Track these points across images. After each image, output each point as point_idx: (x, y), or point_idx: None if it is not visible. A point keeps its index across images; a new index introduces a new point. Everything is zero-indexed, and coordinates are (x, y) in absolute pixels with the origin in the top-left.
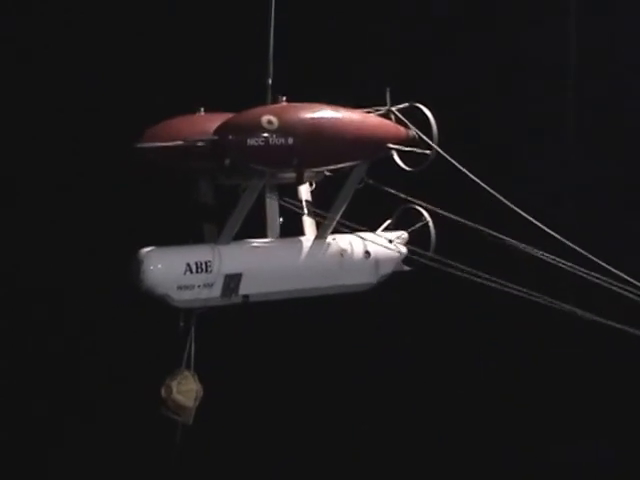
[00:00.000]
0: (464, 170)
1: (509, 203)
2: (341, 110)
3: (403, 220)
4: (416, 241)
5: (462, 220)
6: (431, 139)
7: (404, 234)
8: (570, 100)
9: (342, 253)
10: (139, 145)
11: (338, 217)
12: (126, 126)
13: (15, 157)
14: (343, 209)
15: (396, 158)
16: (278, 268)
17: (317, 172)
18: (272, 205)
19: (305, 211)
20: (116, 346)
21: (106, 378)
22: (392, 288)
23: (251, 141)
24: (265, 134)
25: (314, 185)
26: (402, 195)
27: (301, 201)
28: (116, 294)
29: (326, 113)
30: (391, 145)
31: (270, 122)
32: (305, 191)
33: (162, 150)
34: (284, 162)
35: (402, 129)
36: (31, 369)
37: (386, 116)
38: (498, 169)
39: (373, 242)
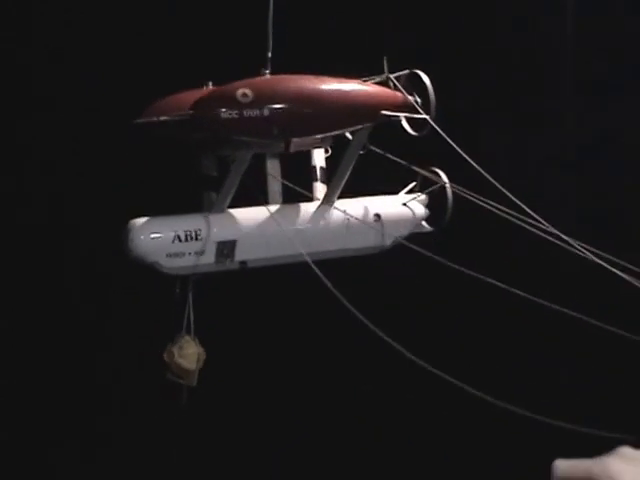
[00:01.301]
0: (452, 143)
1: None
2: (328, 79)
3: (425, 185)
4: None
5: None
6: (429, 105)
7: (422, 196)
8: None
9: (348, 217)
10: (136, 121)
11: (343, 183)
12: (129, 100)
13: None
14: (347, 175)
15: (404, 124)
16: (276, 233)
17: (323, 139)
18: (274, 172)
19: (318, 177)
20: (115, 315)
21: (106, 347)
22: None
23: (225, 114)
24: (239, 106)
25: (330, 152)
26: (403, 162)
27: (314, 167)
28: (112, 264)
29: (308, 82)
30: (385, 112)
31: (245, 95)
32: (319, 157)
33: (166, 123)
34: (262, 133)
35: (399, 96)
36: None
37: (385, 84)
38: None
39: (384, 205)
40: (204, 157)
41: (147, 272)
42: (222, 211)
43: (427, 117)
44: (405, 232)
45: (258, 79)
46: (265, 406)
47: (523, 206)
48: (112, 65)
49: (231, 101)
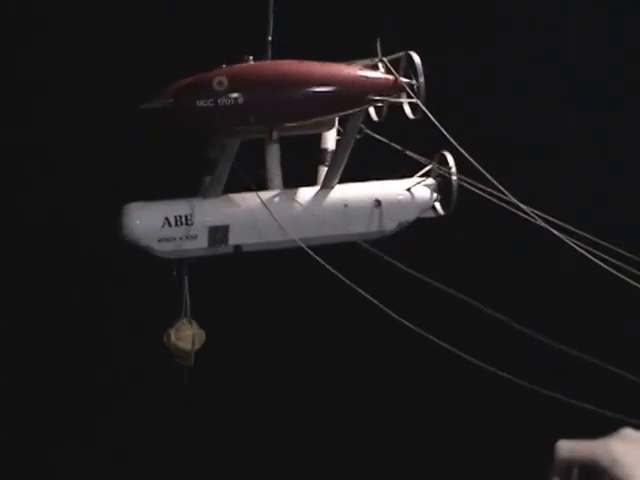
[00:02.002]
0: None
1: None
2: (312, 64)
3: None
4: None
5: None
6: (419, 87)
7: (430, 180)
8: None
9: (346, 203)
10: (143, 106)
11: (341, 168)
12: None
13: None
14: (345, 159)
15: (405, 108)
16: (271, 218)
17: (318, 123)
18: (273, 157)
19: (325, 161)
20: (115, 303)
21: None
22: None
23: (200, 102)
24: (214, 95)
25: (362, 132)
26: (398, 147)
27: (324, 150)
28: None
29: (289, 67)
30: (372, 96)
31: (220, 83)
32: (331, 140)
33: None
34: (238, 122)
35: (389, 79)
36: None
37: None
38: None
39: (386, 189)
40: (212, 140)
41: (145, 257)
42: (216, 196)
43: (417, 101)
44: (411, 216)
45: (237, 66)
46: (264, 395)
47: (514, 199)
48: (112, 63)
49: (207, 90)
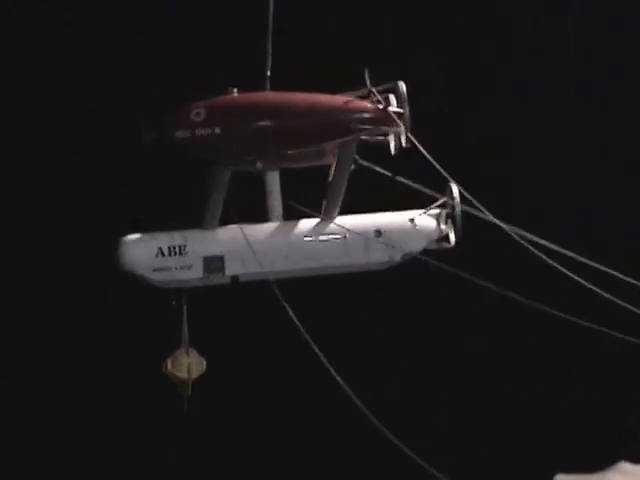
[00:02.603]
0: (432, 160)
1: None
2: (294, 95)
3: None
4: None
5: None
6: (406, 117)
7: (438, 211)
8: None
9: (345, 234)
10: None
11: (339, 199)
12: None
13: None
14: (342, 190)
15: (390, 140)
16: (268, 249)
17: (317, 154)
18: (273, 187)
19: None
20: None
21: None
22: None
23: (179, 133)
24: (192, 126)
25: (354, 166)
26: (389, 174)
27: (329, 183)
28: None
29: (268, 99)
30: (356, 126)
31: (198, 114)
32: None
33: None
34: (217, 152)
35: (374, 109)
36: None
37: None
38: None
39: (389, 220)
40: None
41: (146, 287)
42: (212, 227)
43: (403, 129)
44: (417, 247)
45: (219, 98)
46: (264, 411)
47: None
48: (112, 63)
49: (185, 121)
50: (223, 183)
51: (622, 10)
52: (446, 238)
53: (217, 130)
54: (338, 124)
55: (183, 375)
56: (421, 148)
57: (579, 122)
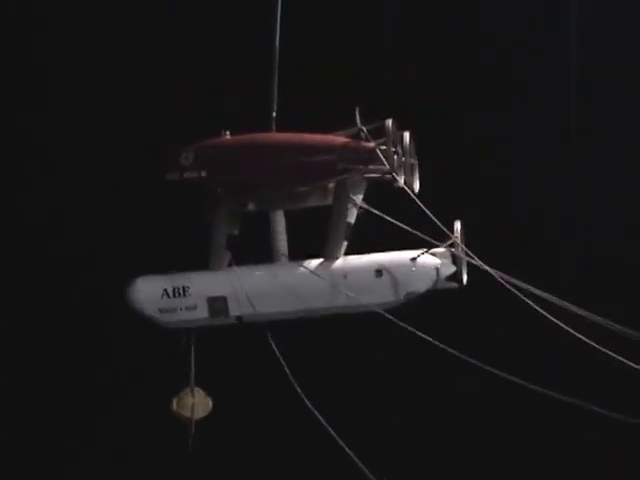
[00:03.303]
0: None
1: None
2: (283, 136)
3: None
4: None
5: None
6: (391, 156)
7: (439, 250)
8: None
9: (345, 274)
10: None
11: (340, 238)
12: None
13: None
14: (341, 230)
15: (396, 177)
16: (269, 290)
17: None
18: (278, 227)
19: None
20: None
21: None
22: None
23: (169, 176)
24: (181, 169)
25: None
26: (387, 217)
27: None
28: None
29: (254, 142)
30: (344, 165)
31: (186, 157)
32: (350, 213)
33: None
34: (204, 194)
35: (363, 147)
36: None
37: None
38: None
39: (392, 260)
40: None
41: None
42: (218, 267)
43: (389, 170)
44: (420, 287)
45: (209, 141)
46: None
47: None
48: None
49: (175, 163)
50: (221, 224)
51: (622, 10)
52: (454, 277)
53: (203, 173)
54: (323, 165)
55: (187, 414)
56: (413, 195)
57: (579, 122)
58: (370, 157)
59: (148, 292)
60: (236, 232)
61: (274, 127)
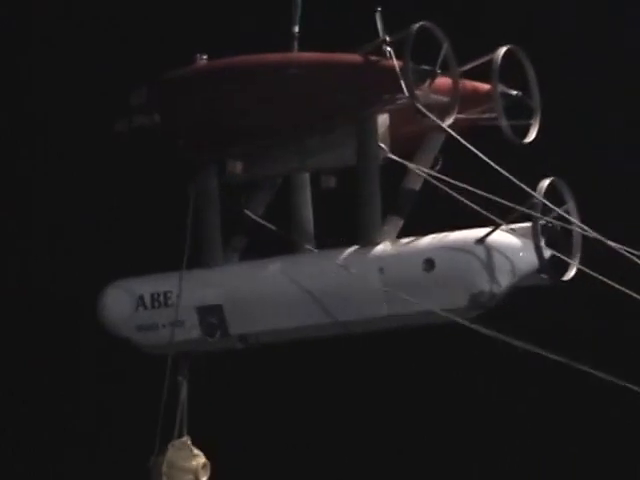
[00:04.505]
0: (469, 144)
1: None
2: (269, 58)
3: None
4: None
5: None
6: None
7: (527, 225)
8: None
9: (381, 267)
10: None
11: (376, 216)
12: None
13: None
14: (374, 202)
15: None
16: (275, 295)
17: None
18: (300, 200)
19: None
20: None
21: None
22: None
23: (117, 126)
24: (129, 113)
25: (439, 164)
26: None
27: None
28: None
29: (228, 68)
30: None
31: (138, 96)
32: (414, 179)
33: None
34: (160, 146)
35: (384, 69)
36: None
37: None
38: None
39: (445, 244)
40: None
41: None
42: (212, 264)
43: (415, 104)
44: (486, 287)
45: (171, 71)
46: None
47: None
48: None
49: (125, 106)
50: (207, 195)
51: (623, 10)
52: (554, 267)
53: (156, 117)
54: (325, 98)
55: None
56: (453, 133)
57: (579, 122)
58: (392, 79)
59: (117, 302)
60: (242, 210)
61: (296, 47)
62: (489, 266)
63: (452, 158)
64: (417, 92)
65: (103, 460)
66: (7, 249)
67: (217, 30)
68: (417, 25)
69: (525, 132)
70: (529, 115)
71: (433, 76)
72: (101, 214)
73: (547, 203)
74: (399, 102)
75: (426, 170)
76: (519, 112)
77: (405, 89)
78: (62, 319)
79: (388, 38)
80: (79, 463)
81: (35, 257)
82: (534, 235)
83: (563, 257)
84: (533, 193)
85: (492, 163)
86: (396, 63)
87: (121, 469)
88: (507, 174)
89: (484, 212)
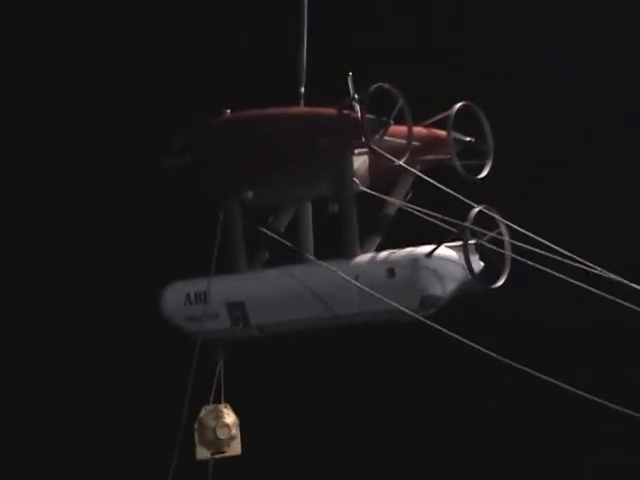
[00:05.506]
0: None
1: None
2: (268, 112)
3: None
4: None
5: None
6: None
7: (464, 243)
8: None
9: (357, 275)
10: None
11: (352, 234)
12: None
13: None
14: (350, 222)
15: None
16: (284, 295)
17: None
18: (302, 221)
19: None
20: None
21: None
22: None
23: (163, 162)
24: (171, 153)
25: (409, 195)
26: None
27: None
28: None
29: (247, 119)
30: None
31: (178, 139)
32: (390, 205)
33: None
34: (193, 183)
35: (348, 118)
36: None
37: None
38: None
39: (403, 256)
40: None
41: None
42: (238, 272)
43: (370, 145)
44: (437, 290)
45: (205, 121)
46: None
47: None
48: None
49: (169, 147)
50: (232, 217)
51: (623, 9)
52: (490, 276)
53: (188, 157)
54: (301, 140)
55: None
56: (410, 168)
57: (579, 123)
58: (356, 128)
59: (172, 298)
60: (259, 229)
61: (302, 103)
62: (436, 274)
63: (419, 191)
64: (374, 137)
65: (103, 460)
66: (7, 249)
67: (233, 81)
68: (374, 86)
69: (479, 169)
70: (483, 155)
71: (387, 126)
72: (146, 235)
73: (474, 228)
74: (361, 144)
75: (397, 201)
76: (475, 153)
77: (363, 135)
78: (62, 319)
79: (356, 96)
80: (79, 463)
81: (35, 257)
82: (464, 253)
83: (490, 269)
84: (459, 222)
85: (443, 187)
86: (359, 115)
87: (121, 469)
88: (456, 200)
89: (442, 229)
